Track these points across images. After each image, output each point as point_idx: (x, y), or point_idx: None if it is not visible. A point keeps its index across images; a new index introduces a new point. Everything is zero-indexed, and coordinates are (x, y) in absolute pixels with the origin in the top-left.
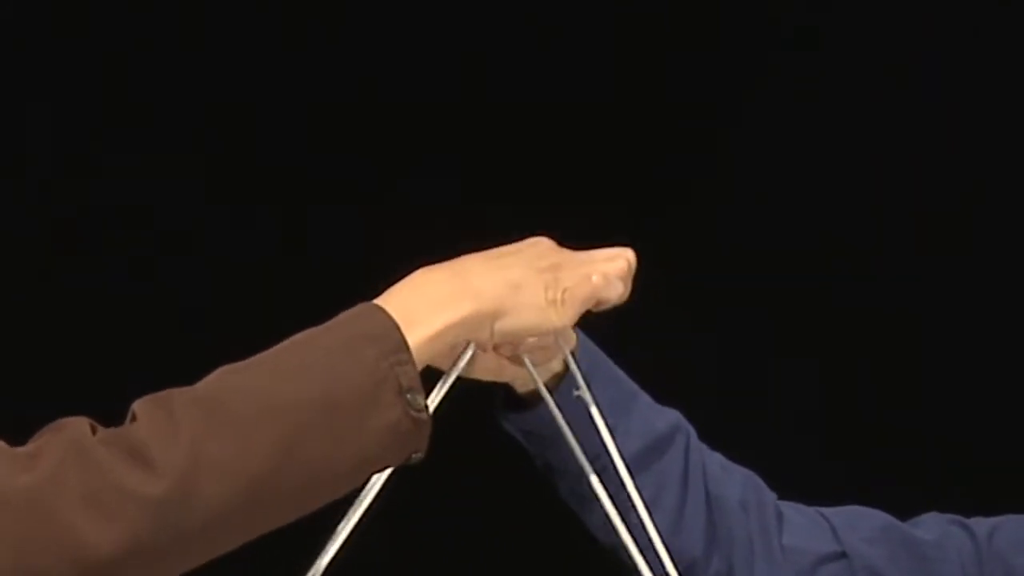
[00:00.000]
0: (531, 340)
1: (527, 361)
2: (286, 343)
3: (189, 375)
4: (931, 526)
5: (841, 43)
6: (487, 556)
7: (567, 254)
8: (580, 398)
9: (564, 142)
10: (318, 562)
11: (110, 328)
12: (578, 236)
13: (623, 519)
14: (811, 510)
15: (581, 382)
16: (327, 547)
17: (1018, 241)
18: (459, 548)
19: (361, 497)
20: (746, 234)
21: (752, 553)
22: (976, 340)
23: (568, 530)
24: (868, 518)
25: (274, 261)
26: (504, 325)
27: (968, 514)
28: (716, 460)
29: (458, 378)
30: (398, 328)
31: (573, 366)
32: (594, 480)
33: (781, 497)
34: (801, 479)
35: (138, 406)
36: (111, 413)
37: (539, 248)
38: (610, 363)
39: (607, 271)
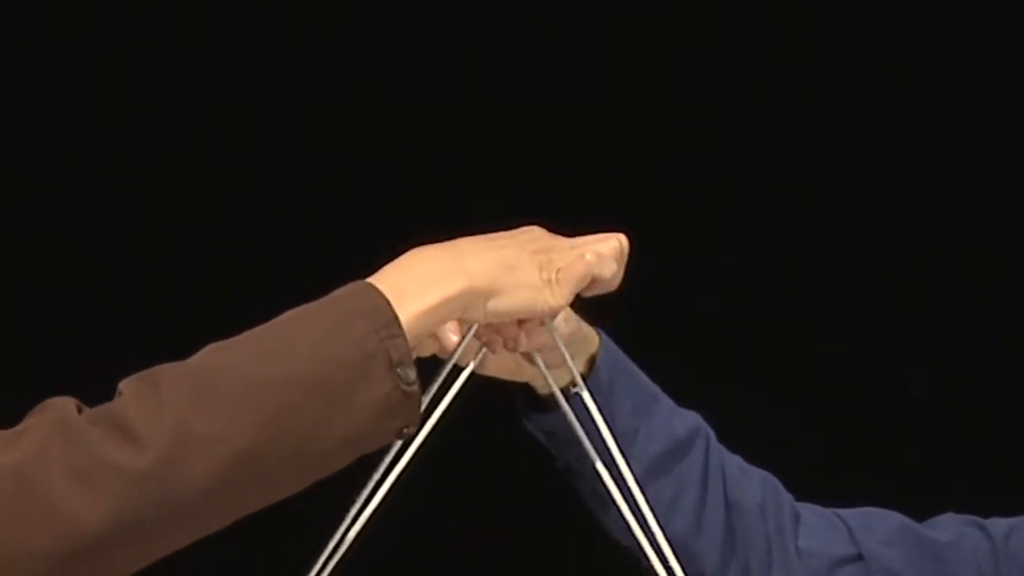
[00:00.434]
0: (544, 339)
1: (539, 361)
2: (276, 320)
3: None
4: (947, 527)
5: (841, 43)
6: (501, 557)
7: (559, 238)
8: (579, 395)
9: (564, 142)
10: (326, 558)
11: (110, 323)
12: (576, 234)
13: (641, 521)
14: (828, 511)
15: (579, 379)
16: (340, 537)
17: (1018, 241)
18: (473, 548)
19: (373, 486)
20: (746, 234)
21: (769, 556)
22: (983, 340)
23: (588, 531)
24: (884, 519)
25: (273, 261)
26: (498, 304)
27: (985, 515)
28: (735, 462)
29: (477, 376)
30: (389, 304)
31: (564, 350)
32: (609, 483)
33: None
34: (810, 480)
35: (125, 383)
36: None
37: (532, 233)
38: (632, 366)
39: (599, 249)
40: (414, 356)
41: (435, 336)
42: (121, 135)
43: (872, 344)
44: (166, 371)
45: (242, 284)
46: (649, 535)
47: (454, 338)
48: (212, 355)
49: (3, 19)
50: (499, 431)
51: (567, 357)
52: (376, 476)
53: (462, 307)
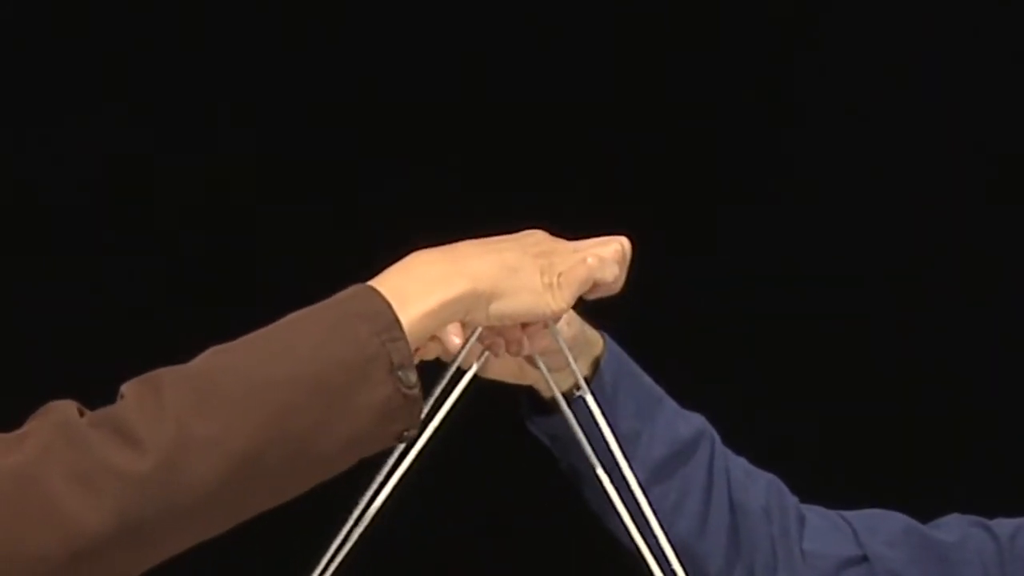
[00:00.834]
0: (546, 342)
1: (541, 365)
2: (277, 323)
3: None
4: (952, 528)
5: (841, 43)
6: (504, 559)
7: (561, 242)
8: (582, 398)
9: (564, 142)
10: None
11: (110, 324)
12: (577, 236)
13: (644, 524)
14: (832, 513)
15: (582, 382)
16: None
17: (1019, 241)
18: (475, 551)
19: (378, 485)
20: (746, 234)
21: (774, 558)
22: (983, 340)
23: (591, 534)
24: (889, 521)
25: (273, 261)
26: (500, 307)
27: (987, 515)
28: (740, 465)
29: (480, 379)
30: (390, 306)
31: (567, 353)
32: (610, 488)
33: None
34: (813, 482)
35: (126, 387)
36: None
37: (534, 237)
38: (636, 368)
39: (601, 253)
40: (417, 360)
41: (438, 340)
42: (121, 135)
43: (872, 344)
44: (167, 374)
45: (242, 284)
46: (651, 539)
47: (457, 341)
48: (213, 358)
49: (3, 19)
50: (503, 433)
51: (570, 360)
52: (379, 479)
53: (464, 310)
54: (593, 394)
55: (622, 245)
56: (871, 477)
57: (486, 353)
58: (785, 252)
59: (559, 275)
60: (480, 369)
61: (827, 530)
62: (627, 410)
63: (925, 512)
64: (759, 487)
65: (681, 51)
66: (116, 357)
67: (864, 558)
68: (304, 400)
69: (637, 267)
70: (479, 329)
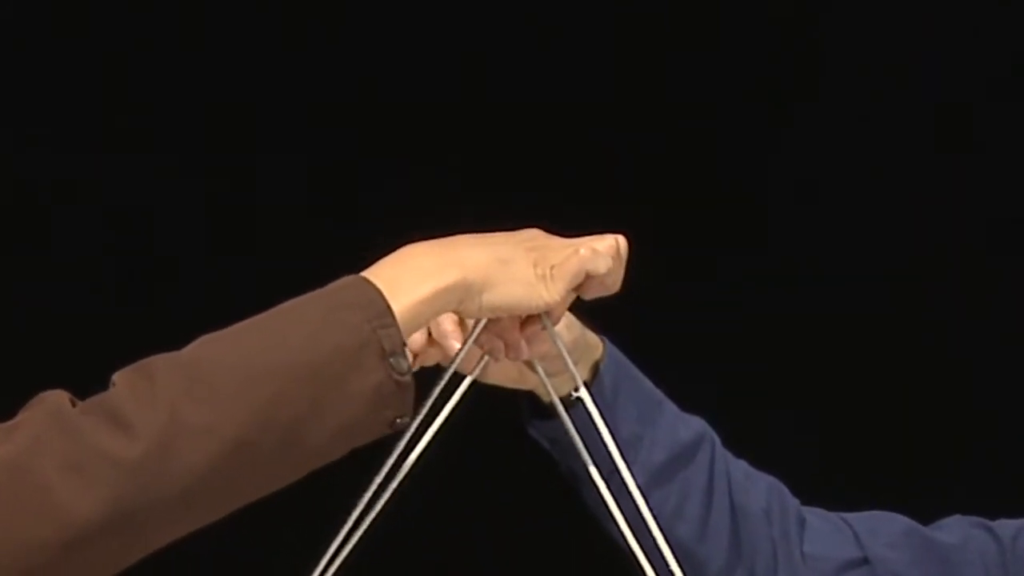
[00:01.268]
0: (545, 347)
1: (540, 370)
2: (269, 311)
3: None
4: (954, 529)
5: (841, 43)
6: (503, 562)
7: (555, 238)
8: (580, 399)
9: (564, 142)
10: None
11: (108, 322)
12: (576, 236)
13: (644, 527)
14: (833, 516)
15: (580, 383)
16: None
17: (1019, 241)
18: (475, 552)
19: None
20: (746, 234)
21: (775, 561)
22: (983, 340)
23: (591, 537)
24: (890, 523)
25: (273, 261)
26: (492, 297)
27: (988, 516)
28: (740, 467)
29: (478, 384)
30: (382, 295)
31: (566, 356)
32: (605, 492)
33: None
34: (813, 484)
35: (118, 375)
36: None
37: (528, 233)
38: (636, 372)
39: (595, 246)
40: (417, 367)
41: (438, 345)
42: (121, 135)
43: (872, 344)
44: (159, 362)
45: (241, 284)
46: (651, 544)
47: (456, 345)
48: (205, 346)
49: (3, 19)
50: (502, 437)
51: (568, 361)
52: (378, 480)
53: (456, 300)
54: (593, 398)
55: (617, 241)
56: (871, 478)
57: (486, 358)
58: (785, 252)
59: (552, 267)
60: (480, 374)
61: (828, 532)
62: (628, 414)
63: (925, 513)
64: (760, 490)
65: (681, 51)
66: (117, 357)
67: (865, 560)
68: (296, 386)
69: (637, 267)
70: (477, 331)
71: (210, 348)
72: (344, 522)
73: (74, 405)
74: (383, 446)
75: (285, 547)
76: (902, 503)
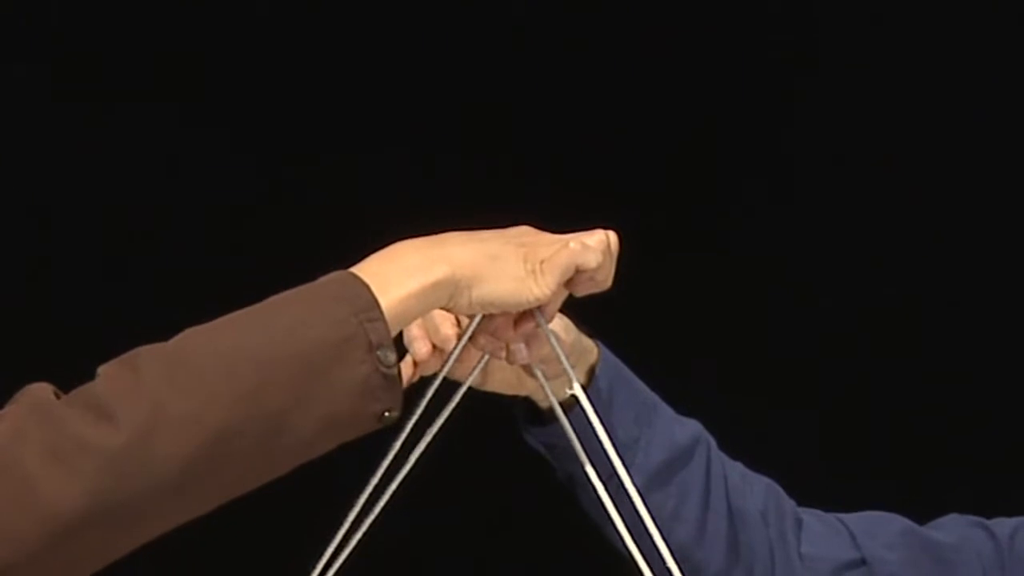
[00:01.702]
0: (545, 351)
1: (539, 373)
2: (256, 305)
3: None
4: (951, 528)
5: (841, 43)
6: (502, 564)
7: (545, 234)
8: (580, 408)
9: (565, 142)
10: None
11: (106, 320)
12: (567, 233)
13: (643, 531)
14: (830, 517)
15: (575, 381)
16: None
17: (1019, 241)
18: (474, 554)
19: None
20: (746, 235)
21: (772, 563)
22: (983, 340)
23: (588, 541)
24: (887, 523)
25: (273, 261)
26: (482, 293)
27: (986, 515)
28: (737, 469)
29: (473, 391)
30: (369, 289)
31: (562, 355)
32: (604, 495)
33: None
34: (810, 485)
35: (103, 367)
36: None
37: (518, 229)
38: (631, 376)
39: (584, 240)
40: (416, 377)
41: (439, 352)
42: (121, 135)
43: (872, 345)
44: (143, 352)
45: (239, 284)
46: (648, 547)
47: (450, 346)
48: (189, 337)
49: (3, 20)
50: (498, 442)
51: (563, 359)
52: (375, 480)
53: (446, 295)
54: (589, 399)
55: (607, 236)
56: (871, 477)
57: (483, 363)
58: (784, 252)
59: (541, 262)
60: (479, 382)
61: (825, 534)
62: (623, 418)
63: (924, 512)
64: (756, 491)
65: (681, 51)
66: (107, 349)
67: (862, 561)
68: (281, 378)
69: (636, 267)
70: (473, 325)
71: (194, 339)
72: (342, 524)
73: (59, 397)
74: (382, 447)
75: (284, 548)
76: (902, 503)
